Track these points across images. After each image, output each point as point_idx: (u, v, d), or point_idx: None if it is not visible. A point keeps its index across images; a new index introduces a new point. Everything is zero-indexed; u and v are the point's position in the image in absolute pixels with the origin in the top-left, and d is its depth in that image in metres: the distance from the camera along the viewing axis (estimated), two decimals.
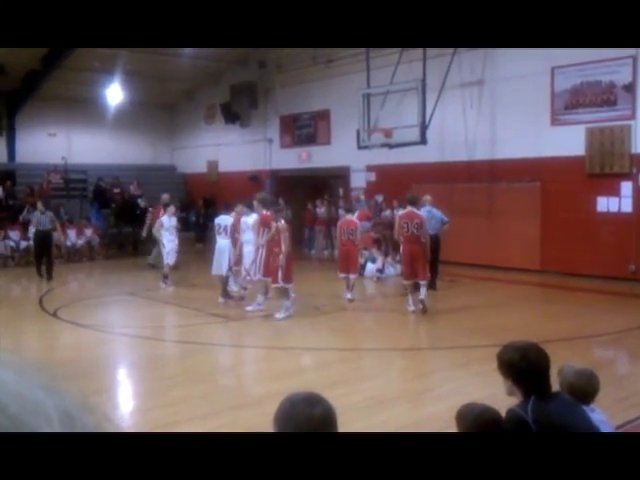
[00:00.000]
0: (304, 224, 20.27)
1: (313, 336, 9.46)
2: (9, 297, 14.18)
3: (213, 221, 12.80)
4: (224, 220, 11.75)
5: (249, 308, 10.98)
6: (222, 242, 11.63)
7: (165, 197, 15.24)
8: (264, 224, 10.59)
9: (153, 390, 7.16)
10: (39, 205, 15.15)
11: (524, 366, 3.07)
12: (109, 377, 7.85)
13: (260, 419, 4.89)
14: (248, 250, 11.15)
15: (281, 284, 10.28)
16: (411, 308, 10.89)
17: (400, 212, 11.43)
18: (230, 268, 11.64)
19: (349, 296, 11.82)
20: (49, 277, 14.73)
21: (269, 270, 10.48)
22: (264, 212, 10.71)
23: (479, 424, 2.89)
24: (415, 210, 11.08)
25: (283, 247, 10.19)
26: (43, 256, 14.95)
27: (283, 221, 10.42)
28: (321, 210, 19.74)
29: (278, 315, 10.30)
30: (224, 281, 11.78)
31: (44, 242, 14.84)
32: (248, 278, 11.31)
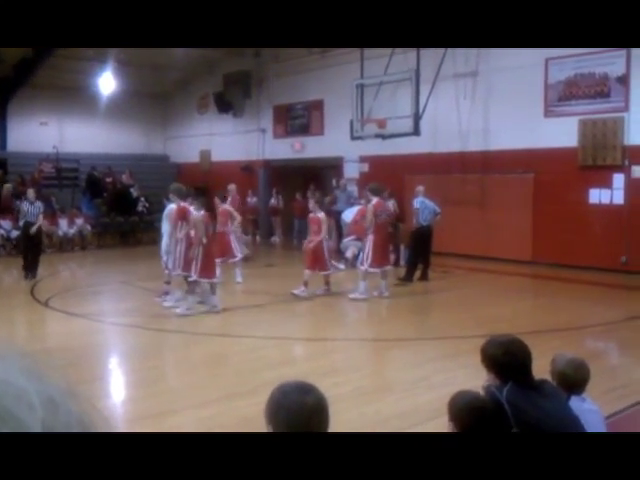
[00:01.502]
0: (293, 215, 20.22)
1: (304, 327, 9.46)
2: (0, 287, 14.13)
3: None
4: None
5: (167, 304, 10.52)
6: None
7: (232, 187, 15.52)
8: (181, 217, 10.17)
9: (145, 379, 7.16)
10: (30, 194, 13.88)
11: (506, 360, 3.19)
12: (101, 366, 7.83)
13: (252, 408, 4.90)
14: (165, 242, 10.87)
15: (194, 277, 9.90)
16: (375, 293, 11.22)
17: (373, 202, 11.41)
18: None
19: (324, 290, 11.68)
20: (33, 274, 13.34)
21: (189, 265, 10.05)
22: (181, 204, 10.28)
23: (469, 411, 2.95)
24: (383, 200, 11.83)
25: (194, 238, 9.81)
26: (29, 251, 13.60)
27: (202, 211, 9.97)
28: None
29: (179, 310, 9.98)
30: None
31: (32, 235, 13.48)
32: (166, 272, 10.95)
